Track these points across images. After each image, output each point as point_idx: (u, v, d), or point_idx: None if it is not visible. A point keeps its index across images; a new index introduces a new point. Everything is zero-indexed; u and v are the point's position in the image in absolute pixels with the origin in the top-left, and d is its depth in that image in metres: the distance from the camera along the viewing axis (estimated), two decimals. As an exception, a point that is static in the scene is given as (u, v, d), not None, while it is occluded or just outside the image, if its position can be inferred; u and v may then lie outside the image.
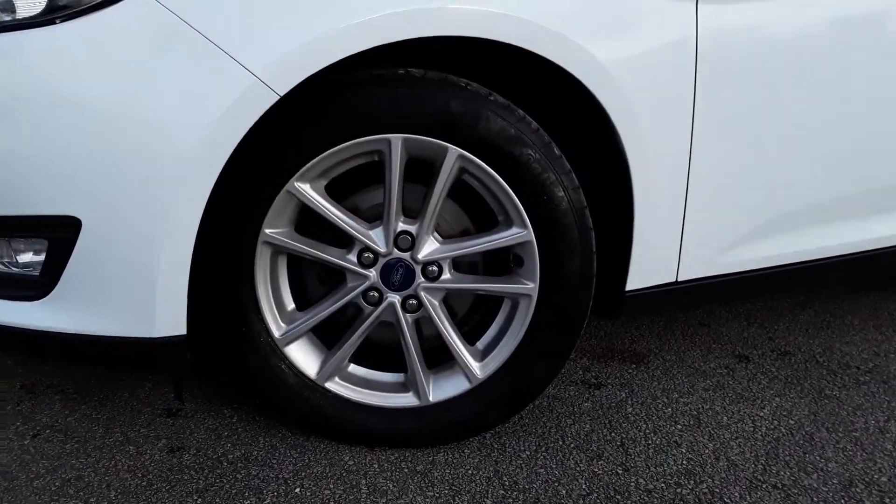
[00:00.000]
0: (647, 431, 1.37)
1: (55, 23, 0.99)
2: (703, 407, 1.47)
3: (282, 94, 1.01)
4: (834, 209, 1.52)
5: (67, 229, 1.03)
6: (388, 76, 1.10)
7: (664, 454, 1.29)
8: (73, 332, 1.09)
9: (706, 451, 1.31)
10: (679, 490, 1.19)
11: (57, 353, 1.25)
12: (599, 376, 1.59)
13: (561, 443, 1.32)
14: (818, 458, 1.30)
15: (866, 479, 1.24)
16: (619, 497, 1.17)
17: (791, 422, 1.42)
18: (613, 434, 1.36)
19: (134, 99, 0.99)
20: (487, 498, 1.16)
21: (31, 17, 1.01)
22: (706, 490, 1.20)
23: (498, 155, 1.13)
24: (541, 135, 1.15)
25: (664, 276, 1.40)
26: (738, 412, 1.45)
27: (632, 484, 1.20)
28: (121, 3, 0.99)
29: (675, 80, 1.22)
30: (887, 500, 1.18)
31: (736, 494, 1.19)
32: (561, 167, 1.16)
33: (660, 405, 1.47)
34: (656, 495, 1.18)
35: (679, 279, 1.42)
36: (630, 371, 1.63)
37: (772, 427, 1.40)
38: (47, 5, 1.00)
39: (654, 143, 1.24)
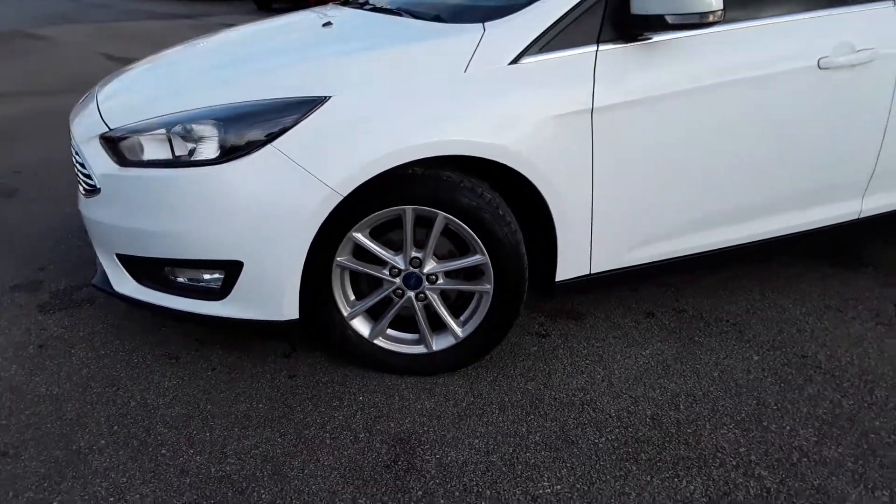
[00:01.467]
0: (566, 364, 2.28)
1: (224, 162, 1.91)
2: (607, 349, 2.37)
3: (344, 196, 1.91)
4: (698, 223, 2.36)
5: (236, 266, 1.98)
6: (401, 175, 1.97)
7: (571, 378, 2.21)
8: (237, 317, 2.04)
9: (598, 377, 2.22)
10: (573, 398, 2.11)
11: (228, 329, 2.22)
12: (547, 329, 2.50)
13: (511, 371, 2.24)
14: (666, 381, 2.19)
15: (692, 396, 2.13)
16: (537, 402, 2.09)
17: (660, 358, 2.31)
18: (545, 366, 2.27)
19: (277, 201, 1.89)
20: (463, 401, 2.09)
21: (211, 159, 1.92)
22: (589, 399, 2.11)
23: (466, 216, 2.01)
24: (492, 202, 2.02)
25: (580, 271, 2.28)
26: (630, 353, 2.35)
27: (546, 395, 2.12)
28: (261, 151, 1.89)
29: (578, 158, 2.06)
30: (697, 404, 2.07)
31: (607, 402, 2.09)
32: (503, 220, 2.04)
33: (581, 348, 2.38)
34: (559, 402, 2.09)
35: (592, 272, 2.30)
36: (569, 325, 2.52)
37: (646, 362, 2.29)
38: (220, 153, 1.91)
39: (565, 190, 2.09)
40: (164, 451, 1.90)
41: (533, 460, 1.84)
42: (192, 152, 1.94)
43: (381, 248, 2.08)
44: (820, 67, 2.29)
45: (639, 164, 2.17)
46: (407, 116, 1.93)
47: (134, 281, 2.15)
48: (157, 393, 2.14)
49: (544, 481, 1.76)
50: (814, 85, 2.30)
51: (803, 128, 2.35)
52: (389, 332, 2.22)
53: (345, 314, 2.15)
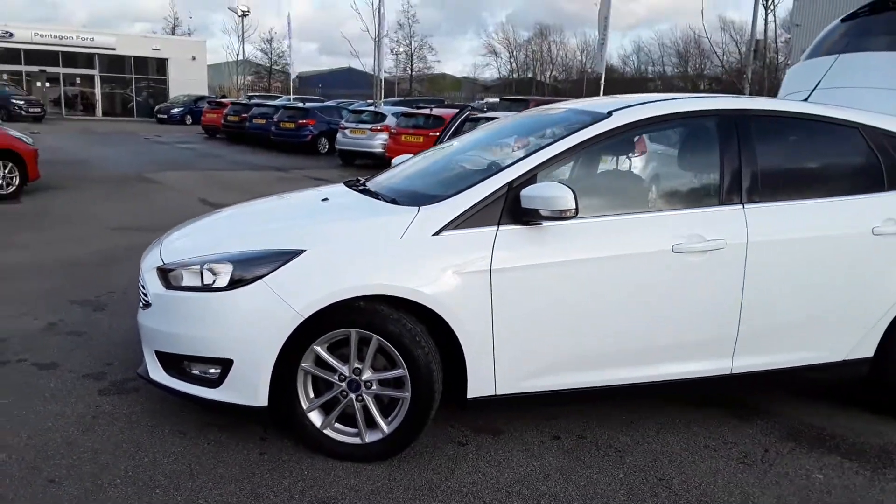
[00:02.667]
0: (470, 465, 2.95)
1: (230, 289, 2.82)
2: (507, 458, 3.03)
3: (305, 317, 2.76)
4: (581, 364, 3.07)
5: (229, 362, 2.83)
6: (349, 306, 2.82)
7: (468, 475, 2.88)
8: (227, 401, 2.87)
9: (490, 476, 2.88)
10: (463, 489, 2.77)
11: (218, 408, 3.03)
12: (468, 438, 3.19)
13: (425, 465, 2.93)
14: (541, 485, 2.83)
15: (554, 496, 2.76)
16: (434, 488, 2.76)
17: (546, 470, 2.95)
18: (452, 464, 2.95)
19: (260, 318, 2.77)
20: (379, 481, 2.79)
21: (222, 287, 2.84)
22: (475, 490, 2.77)
23: (392, 339, 2.82)
24: (412, 331, 2.83)
25: (488, 391, 3.01)
26: (524, 462, 3.00)
27: (443, 484, 2.80)
28: (256, 283, 2.79)
29: (480, 304, 2.86)
30: (555, 502, 2.69)
31: (488, 494, 2.75)
32: (419, 345, 2.83)
33: (486, 455, 3.05)
34: (451, 490, 2.76)
35: (497, 393, 3.03)
36: (487, 438, 3.21)
37: (533, 471, 2.94)
38: (229, 282, 2.83)
39: (471, 328, 2.88)
40: (157, 492, 2.68)
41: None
42: (213, 282, 2.87)
43: (334, 358, 2.90)
44: (673, 251, 3.05)
45: (528, 313, 2.95)
46: (355, 266, 2.82)
47: (163, 371, 3.03)
48: (165, 454, 2.95)
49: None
50: (669, 264, 3.06)
51: (663, 295, 3.08)
52: (336, 425, 2.98)
53: (305, 407, 2.94)
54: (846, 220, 3.32)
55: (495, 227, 2.93)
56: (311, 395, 2.97)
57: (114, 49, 38.04)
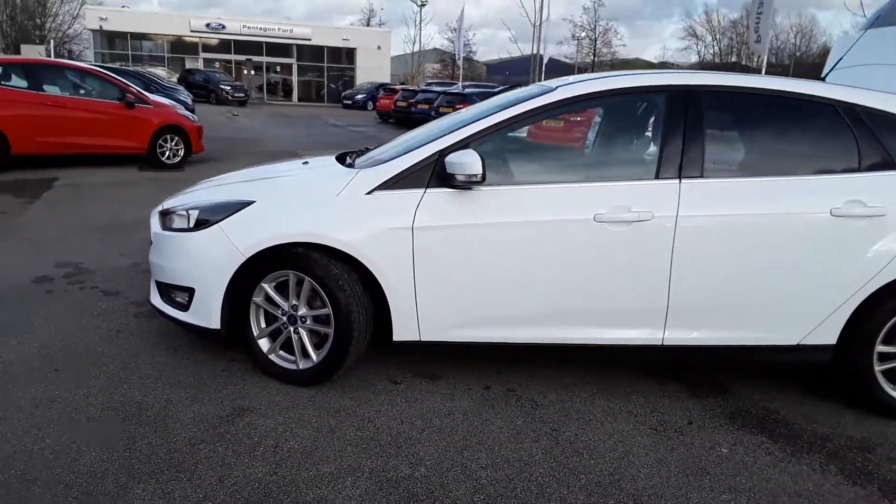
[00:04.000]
0: (393, 403, 3.30)
1: (193, 230, 3.38)
2: (430, 402, 3.34)
3: (247, 257, 3.25)
4: (508, 320, 3.28)
5: (192, 290, 3.39)
6: (289, 250, 3.26)
7: (387, 407, 3.23)
8: (191, 322, 3.43)
9: (404, 414, 3.21)
10: (376, 422, 3.13)
11: (197, 332, 3.61)
12: (403, 380, 3.53)
13: (350, 397, 3.32)
14: (449, 424, 3.12)
15: (454, 433, 3.04)
16: (351, 415, 3.15)
17: (459, 415, 3.23)
18: (375, 399, 3.31)
19: (214, 254, 3.31)
20: (312, 406, 3.22)
21: (184, 228, 3.40)
22: (383, 426, 3.11)
23: (320, 282, 3.23)
24: (336, 276, 3.22)
25: (412, 336, 3.34)
26: (443, 406, 3.30)
27: (360, 412, 3.18)
28: (213, 227, 3.33)
29: (403, 258, 3.19)
30: (451, 436, 2.98)
31: (391, 424, 3.09)
32: (341, 288, 3.21)
33: (413, 397, 3.37)
34: (363, 417, 3.13)
35: (421, 339, 3.35)
36: (421, 381, 3.53)
37: (448, 413, 3.23)
38: (194, 223, 3.39)
39: (394, 279, 3.21)
40: (123, 386, 3.31)
41: (326, 444, 2.93)
42: (187, 226, 3.44)
43: (277, 295, 3.37)
44: (595, 220, 3.17)
45: (449, 269, 3.23)
46: (292, 217, 3.26)
47: (159, 297, 3.66)
48: (149, 363, 3.59)
49: (327, 463, 2.85)
50: (590, 232, 3.18)
51: (584, 262, 3.21)
52: (280, 352, 3.45)
53: (255, 335, 3.44)
54: (801, 199, 3.22)
55: (423, 190, 3.23)
56: (263, 325, 3.46)
57: (310, 39, 41.29)
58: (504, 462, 2.80)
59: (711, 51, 62.34)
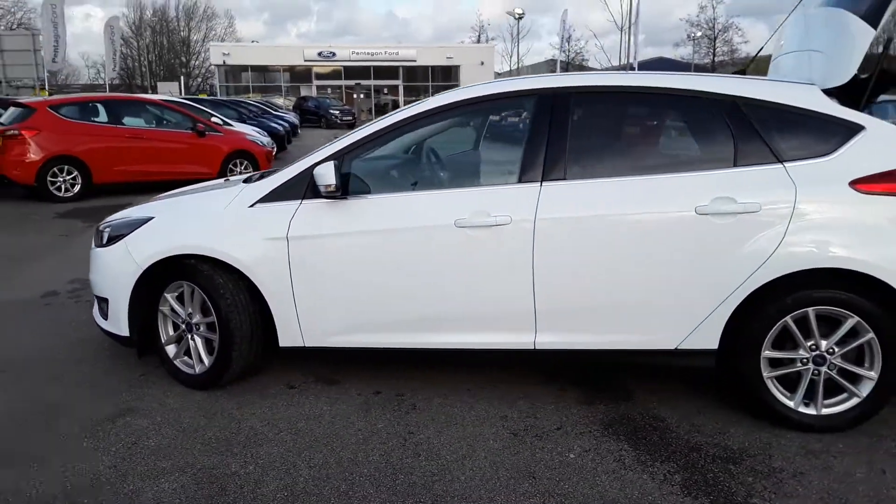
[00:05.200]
0: (287, 402, 3.47)
1: (106, 246, 3.71)
2: (320, 404, 3.48)
3: (143, 269, 3.54)
4: (383, 326, 3.37)
5: (107, 300, 3.72)
6: (182, 262, 3.52)
7: (273, 410, 3.40)
8: (109, 331, 3.75)
9: (296, 415, 3.38)
10: (267, 422, 3.32)
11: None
12: (301, 383, 3.69)
13: (239, 399, 3.52)
14: (312, 427, 3.26)
15: (317, 425, 3.18)
16: (234, 411, 3.35)
17: (330, 416, 3.35)
18: (265, 402, 3.49)
19: (119, 268, 3.62)
20: (195, 408, 3.45)
21: (101, 244, 3.75)
22: (270, 417, 3.30)
23: (205, 292, 3.46)
24: (220, 285, 3.43)
25: (297, 342, 3.50)
26: (322, 410, 3.43)
27: (230, 411, 3.37)
28: (120, 242, 3.64)
29: (280, 267, 3.36)
30: (300, 435, 3.12)
31: (273, 416, 3.27)
32: (223, 297, 3.42)
33: (306, 399, 3.53)
34: (258, 417, 3.33)
35: (305, 345, 3.50)
36: (320, 385, 3.67)
37: (319, 413, 3.36)
38: (107, 239, 3.72)
39: (274, 288, 3.40)
40: (53, 383, 3.68)
41: (179, 443, 3.16)
42: (102, 242, 3.78)
43: (178, 305, 3.63)
44: (456, 226, 3.21)
45: (322, 276, 3.37)
46: (182, 231, 3.52)
47: (97, 307, 4.04)
48: (91, 362, 3.96)
49: (167, 459, 3.08)
50: (452, 238, 3.22)
51: (449, 268, 3.25)
52: (184, 357, 3.71)
53: (163, 341, 3.72)
54: (665, 199, 3.11)
55: (299, 202, 3.40)
56: (170, 332, 3.74)
57: (414, 60, 42.48)
58: (335, 463, 2.89)
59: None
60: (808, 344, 3.08)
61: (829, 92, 3.30)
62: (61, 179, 10.38)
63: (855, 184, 2.99)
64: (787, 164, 3.06)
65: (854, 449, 2.98)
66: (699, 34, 57.05)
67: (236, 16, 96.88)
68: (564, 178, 3.19)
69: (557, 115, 3.25)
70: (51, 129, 10.32)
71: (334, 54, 41.09)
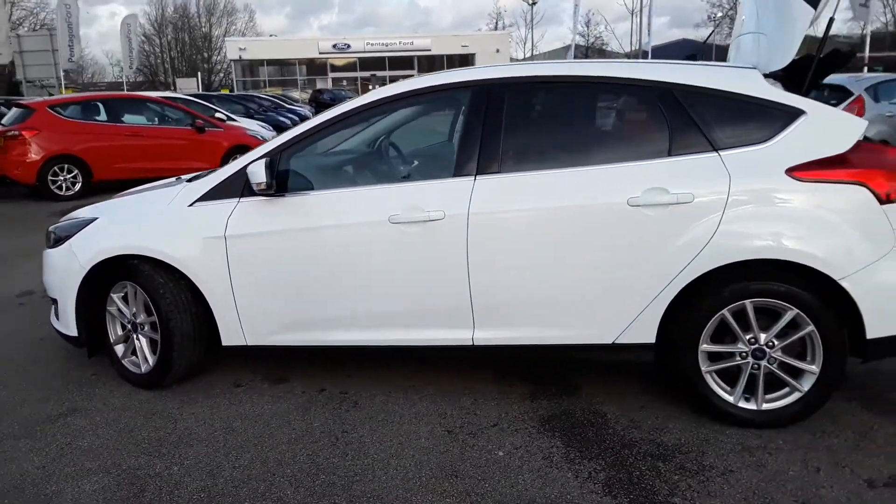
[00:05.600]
0: (226, 400, 3.47)
1: (53, 247, 3.72)
2: (256, 403, 3.47)
3: (87, 269, 3.55)
4: (322, 323, 3.35)
5: (56, 301, 3.75)
6: (125, 262, 3.52)
7: (211, 409, 3.40)
8: (60, 330, 3.77)
9: (231, 411, 3.38)
10: (204, 416, 3.32)
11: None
12: (249, 382, 3.68)
13: (183, 395, 3.52)
14: (246, 425, 3.25)
15: (257, 424, 3.17)
16: (181, 408, 3.36)
17: (269, 413, 3.34)
18: (206, 399, 3.49)
19: (65, 268, 3.64)
20: (137, 408, 3.46)
21: (49, 245, 3.76)
22: (208, 414, 3.30)
23: (147, 291, 3.46)
24: (160, 284, 3.43)
25: (239, 341, 3.49)
26: (257, 408, 3.42)
27: (168, 409, 3.38)
28: (66, 243, 3.66)
29: (219, 265, 3.35)
30: (255, 424, 3.12)
31: (204, 412, 3.27)
32: (162, 296, 3.42)
33: (248, 396, 3.52)
34: (196, 412, 3.33)
35: (248, 343, 3.50)
36: (265, 384, 3.66)
37: (253, 411, 3.35)
38: (54, 241, 3.74)
39: (214, 286, 3.39)
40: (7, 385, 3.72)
41: (111, 444, 3.17)
42: (50, 243, 3.80)
43: (123, 305, 3.64)
44: (390, 222, 3.17)
45: (260, 274, 3.35)
46: (123, 231, 3.53)
47: (53, 310, 4.07)
48: (46, 359, 3.99)
49: (94, 460, 3.09)
50: (387, 234, 3.18)
51: (386, 264, 3.20)
52: (131, 357, 3.71)
53: (112, 341, 3.73)
54: (597, 190, 3.04)
55: (237, 200, 3.38)
56: (119, 332, 3.75)
57: (429, 50, 42.36)
58: (260, 464, 2.88)
59: (883, 18, 56.48)
60: (747, 337, 2.99)
61: (777, 75, 3.21)
62: (62, 178, 10.51)
63: (791, 171, 2.90)
64: (722, 153, 2.97)
65: (793, 445, 2.90)
66: (720, 14, 56.18)
67: (259, 10, 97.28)
68: (499, 172, 3.13)
69: (492, 107, 3.19)
70: (51, 128, 10.45)
71: (349, 46, 41.10)
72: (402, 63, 42.86)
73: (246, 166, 3.34)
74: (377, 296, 3.27)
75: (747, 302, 2.95)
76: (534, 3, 42.20)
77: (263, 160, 3.22)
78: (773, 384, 3.04)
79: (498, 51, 43.51)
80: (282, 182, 3.31)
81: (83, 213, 3.87)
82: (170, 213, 3.47)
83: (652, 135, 3.10)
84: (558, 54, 47.21)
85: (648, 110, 3.11)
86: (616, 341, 3.11)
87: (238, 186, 3.37)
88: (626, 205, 2.97)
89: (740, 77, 3.10)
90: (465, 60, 44.02)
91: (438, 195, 3.16)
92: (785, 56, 3.10)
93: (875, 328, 2.89)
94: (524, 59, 47.44)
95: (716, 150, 2.97)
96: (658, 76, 3.11)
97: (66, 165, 10.54)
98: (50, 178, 10.45)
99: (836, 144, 2.93)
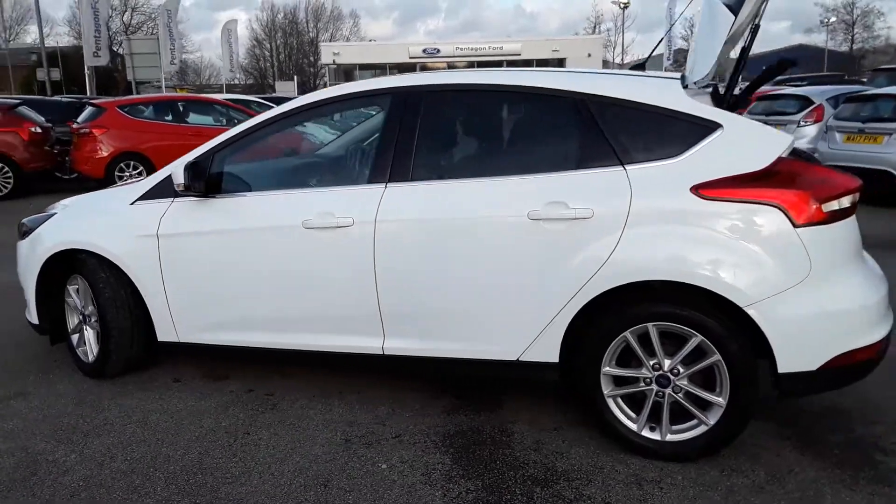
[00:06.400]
0: (157, 396, 3.60)
1: (21, 239, 3.97)
2: (180, 399, 3.58)
3: (43, 261, 3.76)
4: (249, 325, 3.41)
5: (24, 290, 3.99)
6: (74, 257, 3.71)
7: (142, 403, 3.54)
8: (28, 319, 4.02)
9: (162, 407, 3.50)
10: (123, 410, 3.46)
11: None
12: (188, 378, 3.79)
13: (117, 388, 3.67)
14: (167, 421, 3.36)
15: (163, 418, 3.28)
16: (80, 400, 3.52)
17: (184, 409, 3.44)
18: (134, 389, 3.63)
19: (28, 260, 3.86)
20: (73, 396, 3.64)
21: (20, 236, 4.01)
22: (135, 407, 3.44)
23: (89, 285, 3.64)
24: (101, 279, 3.59)
25: (173, 338, 3.61)
26: (182, 404, 3.52)
27: (102, 411, 3.53)
28: (30, 236, 3.89)
29: (153, 263, 3.48)
30: (157, 423, 3.23)
31: (127, 404, 3.40)
32: (103, 291, 3.57)
33: (177, 392, 3.64)
34: (116, 405, 3.48)
35: (180, 340, 3.61)
36: (202, 381, 3.76)
37: (171, 408, 3.46)
38: (22, 234, 3.98)
39: (148, 283, 3.52)
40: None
41: (31, 427, 3.34)
42: (19, 235, 4.04)
43: (76, 296, 3.83)
44: (304, 227, 3.20)
45: (187, 273, 3.46)
46: (73, 227, 3.72)
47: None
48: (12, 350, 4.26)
49: (6, 442, 3.27)
50: (301, 239, 3.21)
51: (302, 269, 3.23)
52: (84, 347, 3.89)
53: (69, 331, 3.94)
54: (500, 202, 2.96)
55: (171, 200, 3.50)
56: (74, 322, 3.94)
57: (519, 54, 42.16)
58: (150, 458, 2.96)
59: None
60: (651, 363, 2.83)
61: (715, 87, 3.03)
62: (128, 174, 11.12)
63: (698, 189, 2.72)
64: (628, 167, 2.82)
65: (691, 482, 2.72)
66: (833, 19, 53.22)
67: (368, 16, 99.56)
68: (409, 180, 3.10)
69: (408, 115, 3.16)
70: (119, 127, 11.09)
71: (438, 51, 41.51)
72: (492, 67, 42.89)
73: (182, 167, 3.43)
74: (293, 300, 3.29)
75: (650, 325, 2.79)
76: (625, 7, 41.15)
77: (184, 163, 3.31)
78: (683, 414, 2.86)
79: (590, 55, 42.77)
80: (214, 184, 3.40)
81: (54, 207, 4.10)
82: (114, 211, 3.63)
83: (562, 146, 2.99)
84: (654, 62, 45.92)
85: (561, 121, 2.99)
86: (520, 359, 3.01)
87: (171, 189, 3.47)
88: (527, 218, 2.87)
89: (658, 88, 2.94)
90: (557, 64, 43.56)
91: (350, 201, 3.15)
92: (706, 64, 2.91)
93: (787, 362, 2.68)
94: (617, 65, 46.49)
95: (622, 164, 2.83)
96: (572, 86, 2.99)
97: (131, 162, 11.14)
98: (117, 173, 11.08)
99: (753, 161, 2.73)
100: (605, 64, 44.64)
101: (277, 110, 3.44)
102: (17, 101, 12.31)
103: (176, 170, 3.29)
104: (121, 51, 33.52)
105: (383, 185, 3.12)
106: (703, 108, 2.82)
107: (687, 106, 2.83)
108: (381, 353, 3.21)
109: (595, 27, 58.17)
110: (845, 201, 2.72)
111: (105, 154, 10.98)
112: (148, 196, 3.54)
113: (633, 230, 2.75)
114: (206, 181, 3.35)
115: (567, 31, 72.13)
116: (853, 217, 2.79)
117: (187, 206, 3.43)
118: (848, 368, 2.73)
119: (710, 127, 2.79)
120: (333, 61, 41.81)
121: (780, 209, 2.64)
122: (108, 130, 11.00)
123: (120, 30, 46.82)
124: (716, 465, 2.82)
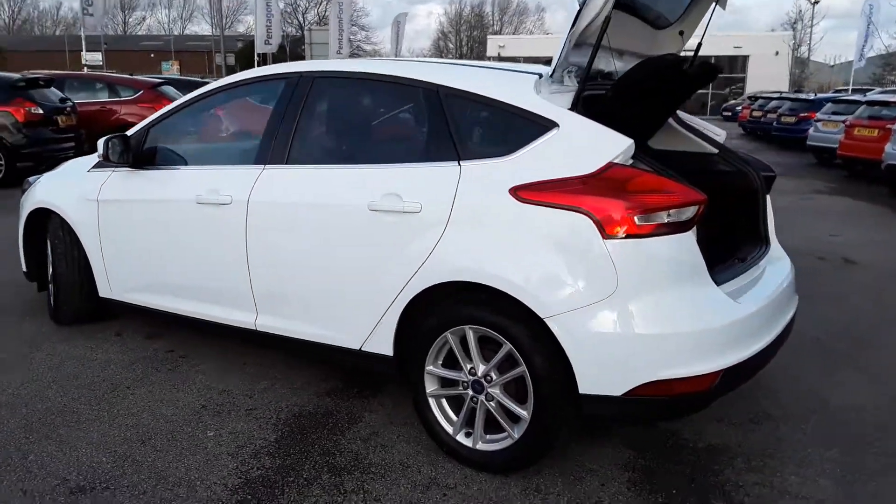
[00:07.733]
0: (74, 345, 3.98)
1: (23, 195, 4.51)
2: (139, 368, 3.93)
3: (25, 216, 4.26)
4: (164, 290, 3.69)
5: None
6: (49, 217, 4.18)
7: (112, 367, 3.94)
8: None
9: (106, 373, 3.89)
10: (90, 374, 3.88)
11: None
12: (129, 334, 4.14)
13: (63, 337, 4.09)
14: (104, 371, 3.72)
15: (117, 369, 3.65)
16: (25, 356, 3.95)
17: (129, 371, 3.78)
18: (77, 339, 4.03)
19: (21, 212, 4.40)
20: (29, 341, 4.10)
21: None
22: (98, 371, 3.85)
23: (52, 242, 4.08)
24: (59, 235, 4.03)
25: (109, 294, 3.97)
26: (112, 354, 3.87)
27: (30, 356, 3.95)
28: (25, 193, 4.42)
29: (93, 225, 3.85)
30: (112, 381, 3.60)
31: (92, 369, 3.81)
32: (56, 246, 4.01)
33: (100, 343, 4.00)
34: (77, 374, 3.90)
35: (113, 297, 3.97)
36: (137, 337, 4.09)
37: (112, 371, 3.80)
38: (24, 190, 4.52)
39: (89, 242, 3.89)
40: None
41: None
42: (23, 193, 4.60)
43: (50, 250, 4.31)
44: (197, 202, 3.40)
45: (116, 236, 3.79)
46: (44, 190, 4.18)
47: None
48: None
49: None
50: (190, 213, 3.41)
51: (194, 242, 3.44)
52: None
53: (49, 281, 4.43)
54: (347, 190, 2.97)
55: (112, 170, 3.85)
56: (52, 273, 4.42)
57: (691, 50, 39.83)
58: (29, 397, 3.28)
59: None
60: (468, 367, 2.73)
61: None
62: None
63: (516, 190, 2.57)
64: (463, 163, 2.73)
65: (482, 495, 2.59)
66: None
67: (561, 8, 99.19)
68: (284, 163, 3.19)
69: (294, 100, 3.24)
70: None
71: (503, 46, 40.48)
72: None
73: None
74: (189, 270, 3.51)
75: (467, 328, 2.69)
76: (816, 2, 37.55)
77: (105, 137, 3.61)
78: (498, 424, 2.73)
79: (777, 53, 39.62)
80: (147, 156, 3.68)
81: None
82: (76, 176, 4.03)
83: (413, 138, 2.94)
84: (843, 67, 41.69)
85: (415, 112, 2.95)
86: (362, 348, 3.01)
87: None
88: (367, 209, 2.86)
89: (510, 83, 2.80)
90: (737, 63, 40.86)
91: (233, 180, 3.30)
92: (556, 59, 2.73)
93: (587, 383, 2.47)
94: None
95: (459, 159, 2.74)
96: (430, 76, 2.92)
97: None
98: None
99: (579, 165, 2.53)
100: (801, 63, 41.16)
101: (195, 93, 3.65)
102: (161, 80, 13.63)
103: (99, 143, 3.60)
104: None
105: (262, 167, 3.22)
106: (543, 106, 2.64)
107: (527, 103, 2.67)
108: (255, 328, 3.32)
109: (795, 23, 53.74)
110: (679, 214, 2.46)
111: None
112: (99, 165, 3.89)
113: (453, 228, 2.66)
114: (135, 154, 3.63)
115: (777, 27, 67.32)
116: (689, 233, 2.50)
117: (120, 176, 3.74)
118: (666, 399, 2.47)
119: (546, 126, 2.61)
120: (498, 54, 42.06)
121: (590, 218, 2.43)
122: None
123: (295, 21, 49.96)
124: (524, 482, 2.67)
